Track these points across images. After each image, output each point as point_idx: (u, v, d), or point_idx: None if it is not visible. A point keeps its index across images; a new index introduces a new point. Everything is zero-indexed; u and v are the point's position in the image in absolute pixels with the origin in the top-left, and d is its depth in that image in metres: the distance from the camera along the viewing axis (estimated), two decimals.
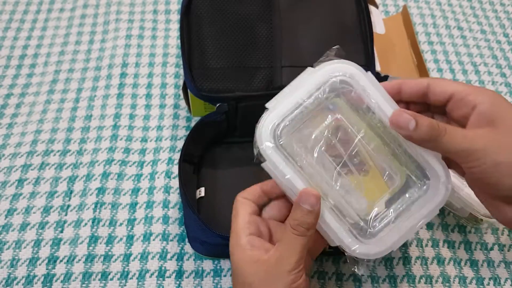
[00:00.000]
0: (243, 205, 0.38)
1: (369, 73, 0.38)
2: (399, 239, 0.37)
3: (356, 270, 0.38)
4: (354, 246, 0.37)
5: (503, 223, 0.35)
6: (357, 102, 0.38)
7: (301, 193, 0.35)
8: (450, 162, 0.37)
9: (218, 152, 0.57)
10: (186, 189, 0.48)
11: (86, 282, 0.48)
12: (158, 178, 0.56)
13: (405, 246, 0.52)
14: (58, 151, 0.57)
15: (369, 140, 0.38)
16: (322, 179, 0.37)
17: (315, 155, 0.37)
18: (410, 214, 0.38)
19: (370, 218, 0.38)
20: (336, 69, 0.38)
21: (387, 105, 0.37)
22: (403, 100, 0.38)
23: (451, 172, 0.38)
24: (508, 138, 0.32)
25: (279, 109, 0.37)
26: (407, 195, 0.38)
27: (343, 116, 0.38)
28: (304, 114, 0.37)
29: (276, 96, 0.38)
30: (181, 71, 0.67)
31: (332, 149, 0.38)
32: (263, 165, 0.36)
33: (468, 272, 0.51)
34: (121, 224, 0.52)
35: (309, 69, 0.38)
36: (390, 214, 0.38)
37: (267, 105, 0.37)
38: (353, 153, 0.38)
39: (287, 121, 0.37)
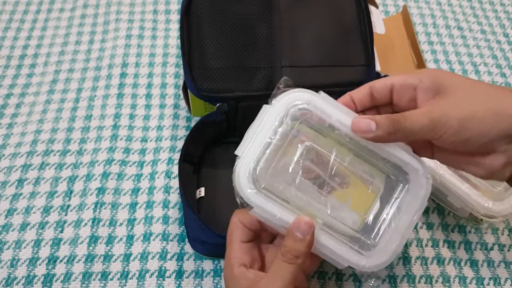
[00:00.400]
0: (237, 232, 0.38)
1: (322, 92, 0.39)
2: (401, 240, 0.38)
3: (371, 284, 0.39)
4: (362, 262, 0.37)
5: (490, 177, 0.35)
6: (319, 123, 0.39)
7: (294, 221, 0.36)
8: (418, 149, 0.38)
9: (218, 152, 0.57)
10: (186, 189, 0.48)
11: (86, 282, 0.48)
12: (158, 178, 0.56)
13: (405, 246, 0.52)
14: (58, 151, 0.58)
15: (343, 156, 0.39)
16: (311, 206, 0.38)
17: (297, 184, 0.38)
18: (402, 212, 0.38)
19: (367, 228, 0.39)
20: (291, 100, 0.39)
21: (347, 118, 0.38)
22: (358, 110, 0.39)
23: (449, 171, 0.38)
24: (459, 96, 0.33)
25: (249, 154, 0.37)
26: (393, 196, 0.39)
27: (311, 141, 0.39)
28: (275, 151, 0.38)
29: (242, 142, 0.38)
30: (181, 71, 0.67)
31: (311, 173, 0.38)
32: (251, 212, 0.37)
33: (468, 272, 0.51)
34: (121, 224, 0.52)
35: (265, 107, 0.39)
36: (384, 218, 0.39)
37: (236, 152, 0.38)
38: (332, 173, 0.39)
39: (261, 163, 0.37)
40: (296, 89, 0.39)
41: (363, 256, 0.38)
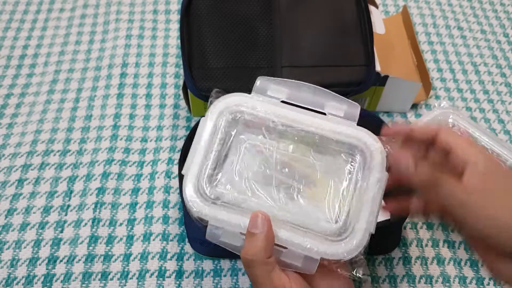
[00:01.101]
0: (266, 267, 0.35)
1: (253, 92, 0.39)
2: (369, 216, 0.36)
3: (357, 274, 0.37)
4: (336, 249, 0.35)
5: (507, 281, 0.34)
6: (256, 125, 0.39)
7: (250, 220, 0.34)
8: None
9: None
10: None
11: (86, 282, 0.48)
12: (158, 178, 0.56)
13: (405, 246, 0.52)
14: (58, 151, 0.57)
15: (287, 155, 0.38)
16: (273, 209, 0.36)
17: (255, 190, 0.37)
18: (363, 188, 0.37)
19: (332, 215, 0.37)
20: (222, 106, 0.39)
21: (279, 109, 0.38)
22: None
23: None
24: (495, 198, 0.33)
25: (193, 168, 0.37)
26: (348, 175, 0.38)
27: (254, 149, 0.38)
28: (217, 158, 0.37)
29: (186, 161, 0.37)
30: (181, 71, 0.67)
31: (268, 178, 0.38)
32: (208, 231, 0.35)
33: (468, 272, 0.51)
34: (121, 224, 0.52)
35: (201, 119, 0.39)
36: (344, 199, 0.37)
37: (182, 172, 0.37)
38: (282, 175, 0.38)
39: (206, 174, 0.36)
40: (227, 95, 0.39)
41: (335, 243, 0.35)
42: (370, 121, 0.56)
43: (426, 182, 0.34)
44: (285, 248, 0.35)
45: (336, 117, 0.39)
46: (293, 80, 0.40)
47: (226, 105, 0.39)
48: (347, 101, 0.39)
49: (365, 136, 0.38)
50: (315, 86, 0.39)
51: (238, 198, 0.36)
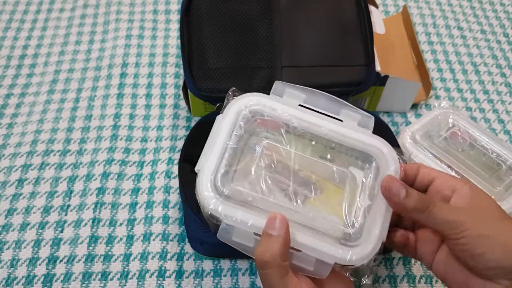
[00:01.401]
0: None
1: (271, 94, 0.40)
2: (383, 224, 0.36)
3: (366, 281, 0.37)
4: (348, 256, 0.35)
5: None
6: (273, 125, 0.39)
7: (267, 220, 0.34)
8: (424, 240, 0.38)
9: None
10: (186, 189, 0.48)
11: (86, 282, 0.48)
12: (158, 178, 0.56)
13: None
14: (58, 151, 0.57)
15: (309, 162, 0.38)
16: (289, 210, 0.36)
17: (265, 188, 0.37)
18: (379, 195, 0.37)
19: (347, 221, 0.37)
20: (241, 104, 0.39)
21: (298, 112, 0.39)
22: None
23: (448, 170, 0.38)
24: (486, 218, 0.34)
25: (209, 164, 0.36)
26: (363, 180, 0.38)
27: (274, 153, 0.38)
28: (233, 155, 0.37)
29: (201, 157, 0.37)
30: (181, 71, 0.67)
31: (280, 185, 0.37)
32: (221, 230, 0.34)
33: None
34: (121, 224, 0.52)
35: (218, 117, 0.39)
36: (360, 205, 0.37)
37: (196, 169, 0.37)
38: (302, 181, 0.38)
39: (221, 171, 0.36)
40: (245, 94, 0.39)
41: (348, 249, 0.35)
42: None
43: (418, 206, 0.34)
44: (299, 251, 0.35)
45: (352, 124, 0.39)
46: (309, 88, 0.40)
47: (245, 103, 0.39)
48: (361, 111, 0.40)
49: (381, 144, 0.38)
50: (330, 95, 0.40)
51: (255, 197, 0.36)
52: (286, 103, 0.39)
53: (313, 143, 0.39)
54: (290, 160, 0.38)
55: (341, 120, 0.39)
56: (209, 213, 0.35)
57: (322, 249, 0.35)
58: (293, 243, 0.34)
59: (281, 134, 0.39)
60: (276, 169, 0.38)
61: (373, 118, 0.40)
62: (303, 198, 0.37)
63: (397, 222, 0.39)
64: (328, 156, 0.39)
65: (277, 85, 0.40)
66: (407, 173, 0.38)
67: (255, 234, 0.35)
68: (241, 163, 0.38)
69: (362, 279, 0.37)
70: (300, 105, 0.40)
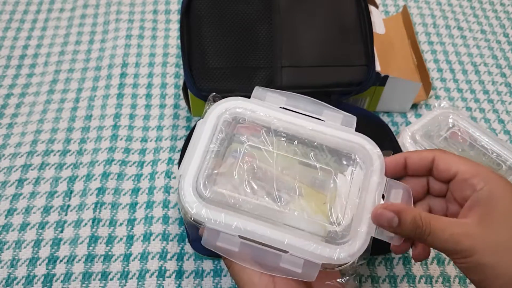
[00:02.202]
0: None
1: (252, 97, 0.40)
2: (370, 220, 0.35)
3: (351, 282, 0.36)
4: (336, 254, 0.34)
5: None
6: (257, 126, 0.39)
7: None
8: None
9: None
10: None
11: (86, 282, 0.48)
12: (158, 178, 0.56)
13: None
14: (58, 151, 0.57)
15: (289, 166, 0.38)
16: (273, 211, 0.36)
17: (248, 190, 0.36)
18: (363, 192, 0.37)
19: (333, 219, 0.36)
20: (222, 108, 0.39)
21: (279, 113, 0.39)
22: (409, 174, 0.37)
23: None
24: (495, 235, 0.31)
25: (191, 169, 0.36)
26: (348, 179, 0.38)
27: (254, 159, 0.38)
28: (215, 159, 0.37)
29: (183, 162, 0.37)
30: (181, 71, 0.67)
31: (268, 180, 0.37)
32: (205, 236, 0.34)
33: None
34: (121, 224, 0.52)
35: (198, 122, 0.39)
36: (346, 203, 0.37)
37: (177, 173, 0.37)
38: (280, 182, 0.38)
39: (204, 175, 0.36)
40: (226, 98, 0.39)
41: (336, 247, 0.34)
42: (370, 122, 0.57)
43: (412, 235, 0.33)
44: (286, 252, 0.34)
45: (334, 124, 0.39)
46: (289, 92, 0.40)
47: (225, 107, 0.39)
48: (343, 112, 0.40)
49: (364, 141, 0.38)
50: (311, 98, 0.40)
51: (238, 199, 0.36)
52: (267, 106, 0.39)
53: (296, 142, 0.39)
54: (273, 160, 0.38)
55: (323, 121, 0.40)
56: (191, 218, 0.35)
57: (308, 249, 0.34)
58: (279, 244, 0.34)
59: (263, 136, 0.39)
60: (257, 174, 0.38)
61: (355, 117, 0.40)
62: (288, 197, 0.37)
63: None
64: (312, 155, 0.39)
65: (258, 90, 0.40)
66: (418, 163, 0.36)
67: (240, 237, 0.34)
68: (223, 167, 0.38)
69: (348, 282, 0.36)
70: (281, 107, 0.40)
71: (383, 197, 0.37)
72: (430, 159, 0.36)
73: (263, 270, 0.34)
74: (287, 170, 0.38)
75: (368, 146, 0.38)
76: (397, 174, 0.37)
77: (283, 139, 0.39)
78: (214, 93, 0.40)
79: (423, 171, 0.36)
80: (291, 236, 0.35)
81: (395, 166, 0.37)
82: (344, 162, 0.39)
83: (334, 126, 0.39)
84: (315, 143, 0.39)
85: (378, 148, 0.38)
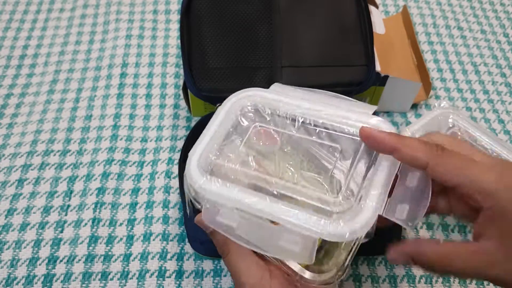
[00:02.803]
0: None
1: (274, 86, 0.41)
2: (381, 195, 0.33)
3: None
4: (338, 227, 0.31)
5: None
6: (269, 138, 0.39)
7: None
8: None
9: None
10: None
11: (86, 282, 0.48)
12: (158, 178, 0.56)
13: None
14: (58, 151, 0.57)
15: (293, 178, 0.37)
16: (277, 184, 0.35)
17: (259, 164, 0.37)
18: (376, 169, 0.35)
19: (341, 191, 0.34)
20: (238, 96, 0.40)
21: (297, 101, 0.39)
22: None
23: None
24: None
25: (198, 148, 0.37)
26: (359, 156, 0.37)
27: (260, 136, 0.39)
28: (225, 140, 0.38)
29: (194, 145, 0.38)
30: (181, 71, 0.67)
31: (272, 155, 0.38)
32: (205, 210, 0.34)
33: None
34: (121, 224, 0.52)
35: (218, 108, 0.40)
36: (354, 175, 0.35)
37: (189, 154, 0.37)
38: (289, 148, 0.39)
39: (210, 152, 0.37)
40: (246, 89, 0.40)
41: (339, 222, 0.31)
42: None
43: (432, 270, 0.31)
44: (283, 225, 0.32)
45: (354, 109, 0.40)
46: (307, 88, 0.41)
47: (242, 94, 0.40)
48: (362, 103, 0.41)
49: (380, 122, 0.38)
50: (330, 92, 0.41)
51: (240, 172, 0.36)
52: (285, 95, 0.40)
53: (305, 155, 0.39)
54: (280, 137, 0.39)
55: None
56: (192, 194, 0.35)
57: (307, 223, 0.31)
58: (277, 219, 0.32)
59: (274, 121, 0.39)
60: (265, 147, 0.38)
61: (375, 106, 0.41)
62: (293, 169, 0.37)
63: None
64: (323, 135, 0.39)
65: (276, 85, 0.41)
66: (408, 161, 0.32)
67: (238, 210, 0.33)
68: (232, 145, 0.38)
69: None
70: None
71: (396, 178, 0.34)
72: (424, 165, 0.31)
73: (261, 251, 0.33)
74: (295, 145, 0.39)
75: (384, 126, 0.37)
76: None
77: (295, 124, 0.39)
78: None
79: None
80: (289, 208, 0.33)
81: (386, 142, 0.33)
82: (357, 140, 0.38)
83: (349, 110, 0.39)
84: (329, 125, 0.39)
85: (394, 129, 0.37)
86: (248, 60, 0.55)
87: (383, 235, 0.46)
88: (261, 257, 0.35)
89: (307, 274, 0.33)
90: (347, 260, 0.34)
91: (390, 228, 0.50)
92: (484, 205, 0.29)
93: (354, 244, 0.34)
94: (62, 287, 0.48)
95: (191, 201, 0.35)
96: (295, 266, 0.34)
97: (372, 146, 0.35)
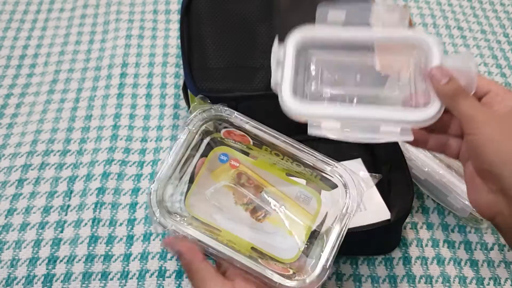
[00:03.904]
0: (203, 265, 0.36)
1: (316, 21, 0.39)
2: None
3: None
4: (418, 111, 0.36)
5: (473, 205, 0.36)
6: (241, 139, 0.39)
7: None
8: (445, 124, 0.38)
9: None
10: None
11: (86, 282, 0.48)
12: None
13: (405, 246, 0.52)
14: (58, 151, 0.57)
15: (275, 177, 0.38)
16: (242, 233, 0.36)
17: (225, 210, 0.37)
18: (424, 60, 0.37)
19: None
20: (297, 35, 0.39)
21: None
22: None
23: (449, 170, 0.36)
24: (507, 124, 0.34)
25: (285, 77, 0.37)
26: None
27: (242, 164, 0.39)
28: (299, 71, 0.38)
29: (272, 76, 0.38)
30: (181, 71, 0.67)
31: (243, 198, 0.38)
32: (310, 125, 0.35)
33: (468, 272, 0.51)
34: (121, 224, 0.52)
35: (276, 47, 0.40)
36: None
37: (272, 85, 0.38)
38: (263, 193, 0.38)
39: (296, 82, 0.37)
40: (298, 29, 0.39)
41: (413, 110, 0.36)
42: None
43: (449, 94, 0.35)
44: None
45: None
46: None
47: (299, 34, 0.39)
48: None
49: (425, 35, 0.38)
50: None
51: (327, 93, 0.38)
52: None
53: (285, 163, 0.39)
54: (261, 179, 0.38)
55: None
56: (298, 113, 0.36)
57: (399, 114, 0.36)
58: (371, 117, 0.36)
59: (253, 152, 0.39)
60: (243, 187, 0.38)
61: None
62: (264, 214, 0.38)
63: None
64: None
65: (321, 9, 0.40)
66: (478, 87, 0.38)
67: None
68: (202, 180, 0.38)
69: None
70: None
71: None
72: (485, 91, 0.39)
73: (367, 139, 0.36)
74: (278, 201, 0.38)
75: (430, 39, 0.38)
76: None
77: (277, 161, 0.39)
78: (200, 95, 0.41)
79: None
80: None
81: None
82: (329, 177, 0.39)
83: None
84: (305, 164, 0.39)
85: (440, 42, 0.39)
86: (248, 60, 0.55)
87: (383, 235, 0.46)
88: (227, 278, 0.35)
89: (287, 283, 0.34)
90: (329, 261, 0.35)
91: (389, 229, 0.50)
92: (508, 101, 0.38)
93: (338, 241, 0.36)
94: (62, 287, 0.48)
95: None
96: (274, 276, 0.34)
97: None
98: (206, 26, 0.55)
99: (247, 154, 0.39)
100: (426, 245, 0.52)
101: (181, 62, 0.63)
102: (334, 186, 0.38)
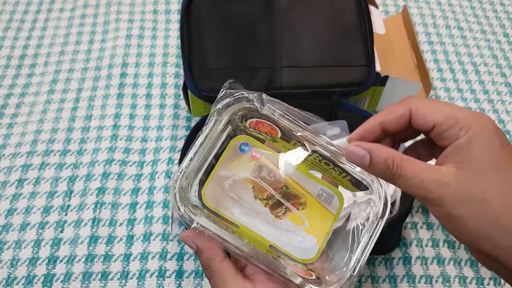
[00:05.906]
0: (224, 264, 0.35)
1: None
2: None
3: None
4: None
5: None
6: (267, 130, 0.36)
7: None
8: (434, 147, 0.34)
9: None
10: None
11: (86, 282, 0.48)
12: (158, 178, 0.56)
13: (405, 246, 0.52)
14: (58, 151, 0.58)
15: (298, 173, 0.36)
16: (261, 231, 0.35)
17: (245, 206, 0.35)
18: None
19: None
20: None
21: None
22: (389, 135, 0.34)
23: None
24: (468, 186, 0.29)
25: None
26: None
27: (264, 156, 0.36)
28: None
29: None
30: (181, 71, 0.67)
31: (263, 193, 0.36)
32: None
33: (468, 272, 0.51)
34: (121, 224, 0.52)
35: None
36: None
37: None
38: (284, 188, 0.36)
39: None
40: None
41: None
42: None
43: (384, 175, 0.30)
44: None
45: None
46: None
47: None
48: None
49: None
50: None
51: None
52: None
53: (310, 160, 0.37)
54: (283, 174, 0.36)
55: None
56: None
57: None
58: None
59: (269, 144, 0.36)
60: (264, 181, 0.36)
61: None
62: (285, 211, 0.36)
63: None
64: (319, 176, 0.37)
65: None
66: (396, 126, 0.33)
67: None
68: (223, 170, 0.36)
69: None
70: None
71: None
72: (408, 117, 0.32)
73: None
74: (299, 199, 0.37)
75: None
76: (376, 140, 0.34)
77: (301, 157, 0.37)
78: (232, 79, 0.37)
79: (403, 128, 0.33)
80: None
81: (371, 135, 0.34)
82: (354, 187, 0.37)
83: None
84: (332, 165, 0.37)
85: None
86: (248, 60, 0.55)
87: (383, 235, 0.46)
88: (247, 277, 0.35)
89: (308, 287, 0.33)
90: (357, 270, 0.33)
91: (389, 229, 0.50)
92: (457, 137, 0.30)
93: (367, 247, 0.34)
94: (62, 287, 0.48)
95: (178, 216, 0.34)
96: (297, 279, 0.33)
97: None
98: (206, 26, 0.55)
99: (271, 145, 0.37)
100: (426, 245, 0.52)
101: (181, 62, 0.63)
102: (362, 187, 0.36)
